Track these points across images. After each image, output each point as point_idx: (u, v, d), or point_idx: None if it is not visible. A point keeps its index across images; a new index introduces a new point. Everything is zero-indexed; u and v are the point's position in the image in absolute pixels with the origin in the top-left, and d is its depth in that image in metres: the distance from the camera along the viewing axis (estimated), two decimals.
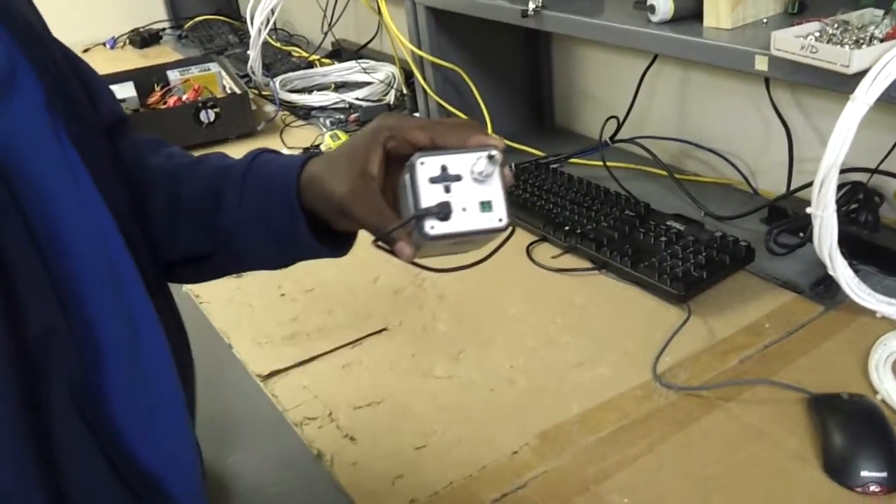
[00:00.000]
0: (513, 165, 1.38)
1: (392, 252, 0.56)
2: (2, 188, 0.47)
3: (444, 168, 0.53)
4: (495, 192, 0.53)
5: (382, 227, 0.56)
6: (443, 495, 0.76)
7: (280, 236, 0.64)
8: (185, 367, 0.66)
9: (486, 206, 0.53)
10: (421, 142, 0.58)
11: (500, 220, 0.53)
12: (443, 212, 0.52)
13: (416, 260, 0.58)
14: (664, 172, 1.29)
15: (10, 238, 0.47)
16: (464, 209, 0.53)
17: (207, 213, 0.66)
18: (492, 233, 0.53)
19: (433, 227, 0.52)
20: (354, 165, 0.59)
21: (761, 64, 0.84)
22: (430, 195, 0.53)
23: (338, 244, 0.65)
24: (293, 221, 0.62)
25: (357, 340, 1.00)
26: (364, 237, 0.60)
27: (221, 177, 0.67)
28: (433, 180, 0.53)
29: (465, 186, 0.53)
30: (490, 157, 0.52)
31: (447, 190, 0.53)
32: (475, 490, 0.77)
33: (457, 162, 0.53)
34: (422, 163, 0.53)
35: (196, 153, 0.72)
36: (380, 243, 0.57)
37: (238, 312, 1.10)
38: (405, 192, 0.55)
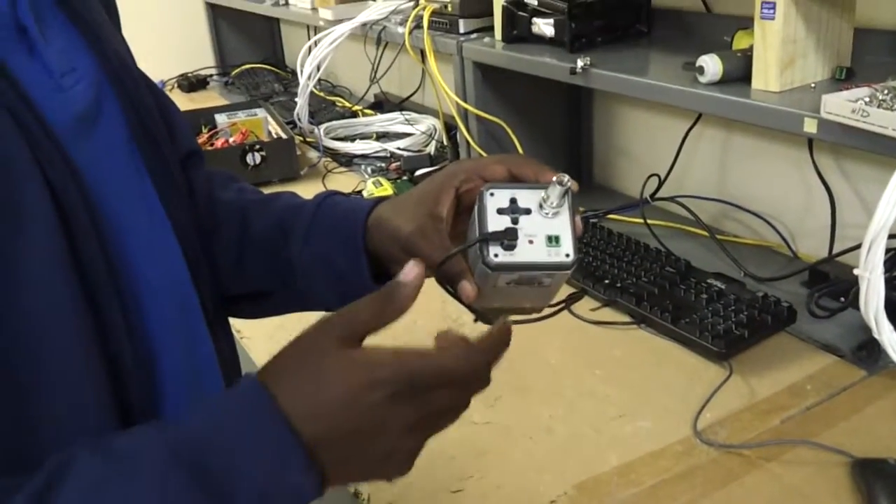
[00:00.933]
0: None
1: (454, 291, 0.55)
2: (84, 214, 0.49)
3: (513, 200, 0.52)
4: (563, 227, 0.52)
5: (448, 273, 0.54)
6: None
7: (341, 277, 0.64)
8: None
9: (553, 240, 0.51)
10: (498, 175, 0.57)
11: (568, 255, 0.51)
12: (508, 238, 0.50)
13: (477, 306, 0.56)
14: (704, 232, 1.30)
15: (90, 263, 0.49)
16: (530, 241, 0.51)
17: (274, 249, 0.67)
18: (558, 269, 0.52)
19: (497, 254, 0.51)
20: (423, 207, 0.58)
21: (810, 126, 0.85)
22: (496, 225, 0.51)
23: None
24: (356, 263, 0.62)
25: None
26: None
27: (291, 215, 0.67)
28: (501, 211, 0.52)
29: (534, 220, 0.52)
30: (560, 183, 0.51)
31: (514, 222, 0.51)
32: None
33: (526, 195, 0.52)
34: (491, 193, 0.52)
35: (285, 191, 0.73)
36: (443, 284, 0.56)
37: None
38: (472, 227, 0.54)
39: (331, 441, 0.45)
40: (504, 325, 0.50)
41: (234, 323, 1.14)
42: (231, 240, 0.68)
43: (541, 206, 0.52)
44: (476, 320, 0.59)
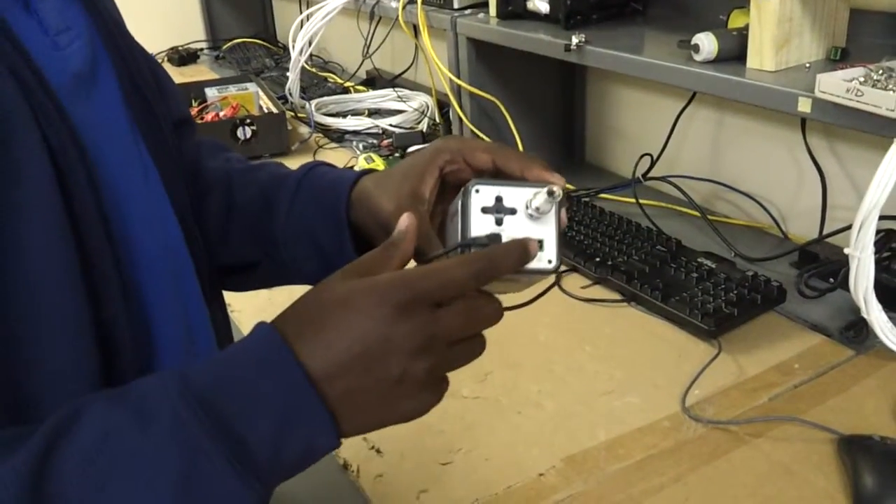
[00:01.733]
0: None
1: None
2: (81, 173, 0.48)
3: (498, 199, 0.50)
4: (548, 231, 0.50)
5: (424, 252, 0.54)
6: None
7: (324, 249, 0.63)
8: None
9: (537, 244, 0.50)
10: (484, 164, 0.56)
11: (550, 261, 0.50)
12: (491, 244, 0.49)
13: None
14: (695, 212, 1.30)
15: (87, 223, 0.48)
16: (514, 239, 0.49)
17: (258, 219, 0.66)
18: (539, 273, 0.50)
19: None
20: (406, 185, 0.58)
21: (804, 106, 0.85)
22: (480, 225, 0.50)
23: None
24: (339, 235, 0.62)
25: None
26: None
27: (275, 185, 0.67)
28: (486, 210, 0.50)
29: (518, 221, 0.50)
30: (550, 193, 0.49)
31: (499, 222, 0.50)
32: None
33: (513, 195, 0.50)
34: (476, 190, 0.50)
35: (271, 161, 0.72)
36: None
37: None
38: (454, 219, 0.53)
39: (341, 370, 0.44)
40: (513, 241, 0.48)
41: (224, 296, 1.15)
42: (216, 208, 0.68)
43: (526, 207, 0.50)
44: None
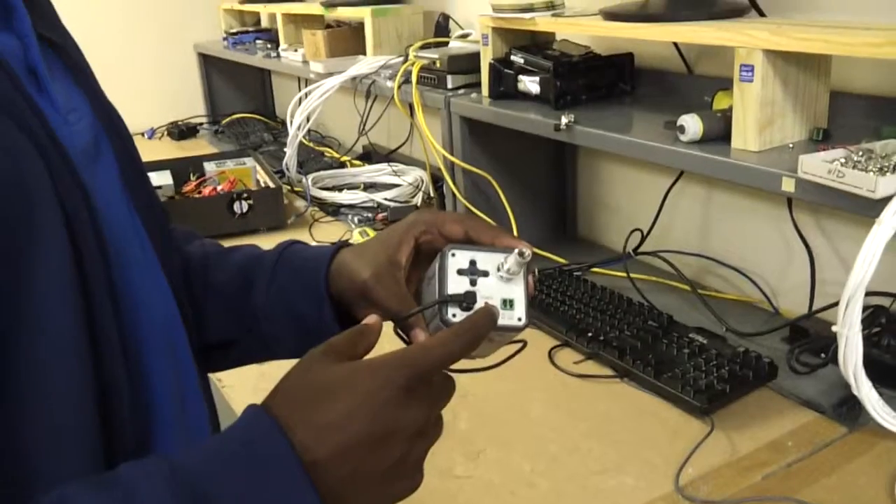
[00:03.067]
0: (536, 271, 1.40)
1: (409, 340, 0.57)
2: (92, 238, 0.50)
3: (472, 262, 0.55)
4: (518, 292, 0.55)
5: (402, 313, 0.57)
6: None
7: (305, 321, 0.65)
8: None
9: (507, 303, 0.54)
10: (456, 234, 0.60)
11: (520, 319, 0.54)
12: (467, 301, 0.53)
13: None
14: (686, 287, 1.32)
15: (96, 286, 0.49)
16: (486, 303, 0.54)
17: (236, 297, 0.68)
18: (510, 331, 0.54)
19: (455, 315, 0.53)
20: (383, 253, 0.61)
21: (788, 185, 0.87)
22: (456, 285, 0.54)
23: None
24: (319, 308, 0.64)
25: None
26: (387, 333, 0.58)
27: (253, 263, 0.69)
28: (461, 272, 0.54)
29: (491, 283, 0.54)
30: (520, 255, 0.54)
31: (473, 283, 0.54)
32: None
33: (486, 259, 0.55)
34: (452, 254, 0.55)
35: (228, 243, 0.75)
36: (399, 332, 0.57)
37: (259, 398, 1.10)
38: (431, 282, 0.56)
39: (346, 454, 0.44)
40: (485, 308, 0.52)
41: (216, 372, 1.15)
42: (195, 290, 0.69)
43: (498, 270, 0.54)
44: None
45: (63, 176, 0.48)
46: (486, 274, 0.55)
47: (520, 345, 0.56)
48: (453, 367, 0.52)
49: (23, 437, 0.46)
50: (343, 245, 0.67)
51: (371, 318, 0.53)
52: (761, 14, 1.13)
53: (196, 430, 0.62)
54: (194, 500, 0.41)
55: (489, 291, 0.54)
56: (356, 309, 0.63)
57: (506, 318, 0.53)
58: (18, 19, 0.51)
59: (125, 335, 0.52)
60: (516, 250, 0.54)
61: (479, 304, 0.53)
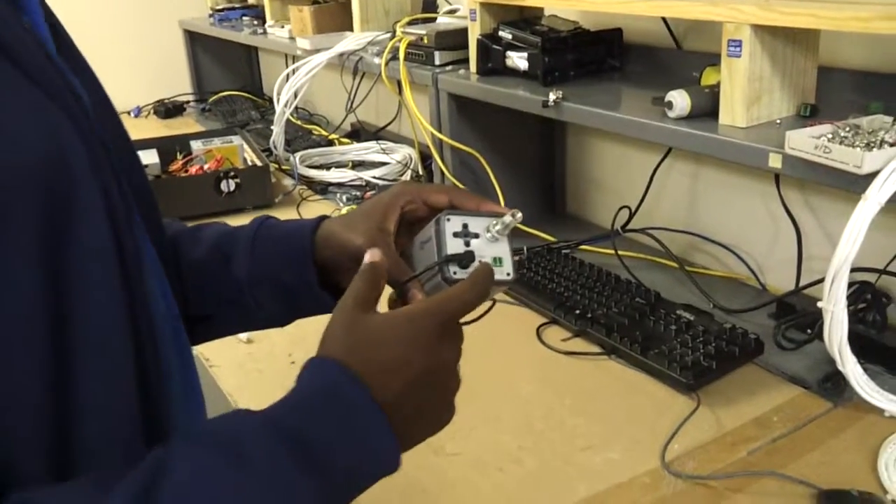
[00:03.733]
0: (525, 249, 1.40)
1: (403, 304, 0.60)
2: (125, 213, 0.51)
3: (465, 226, 0.61)
4: (505, 250, 0.61)
5: (397, 277, 0.60)
6: None
7: (289, 288, 0.67)
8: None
9: (497, 261, 0.60)
10: (441, 203, 0.65)
11: (508, 273, 0.60)
12: (466, 259, 0.59)
13: None
14: (674, 263, 1.32)
15: (134, 267, 0.51)
16: (480, 261, 0.60)
17: (214, 272, 0.69)
18: (502, 284, 0.59)
19: (455, 272, 0.59)
20: (372, 221, 0.64)
21: (775, 161, 0.87)
22: (453, 245, 0.60)
23: None
24: (305, 275, 0.66)
25: None
26: None
27: (227, 239, 0.71)
28: (456, 234, 0.60)
29: (481, 243, 0.60)
30: (513, 216, 0.59)
31: (467, 244, 0.60)
32: None
33: (476, 222, 0.61)
34: (448, 219, 0.60)
35: (213, 221, 0.76)
36: (396, 294, 0.62)
37: (247, 378, 1.11)
38: (425, 246, 0.62)
39: (405, 396, 0.50)
40: (484, 264, 0.58)
41: (203, 351, 1.15)
42: (170, 269, 0.70)
43: (487, 231, 0.60)
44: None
45: (102, 162, 0.49)
46: (476, 236, 0.60)
47: (490, 303, 0.61)
48: None
49: (71, 414, 0.48)
50: (324, 217, 0.69)
51: (374, 255, 0.57)
52: None
53: (196, 405, 0.64)
54: (298, 446, 0.45)
55: (481, 251, 0.60)
56: (345, 274, 0.65)
57: (498, 273, 0.59)
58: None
59: (150, 317, 0.54)
60: (510, 212, 0.59)
61: (476, 262, 0.59)
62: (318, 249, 0.66)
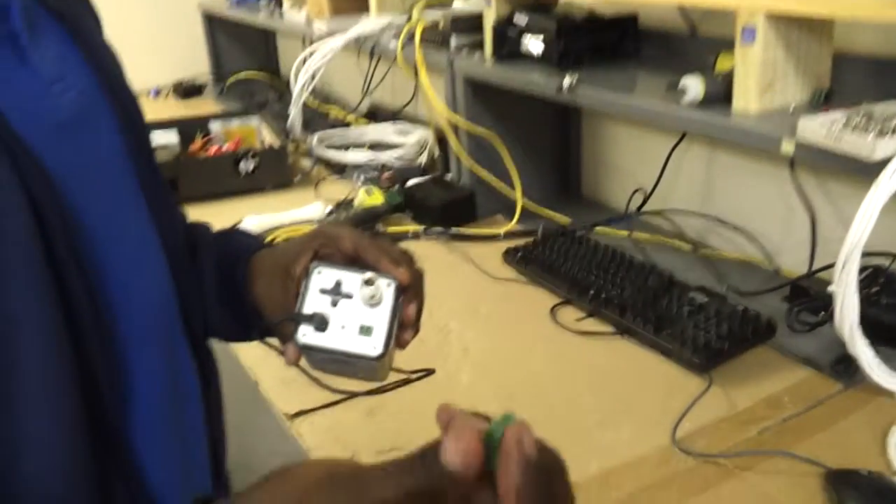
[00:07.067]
0: (540, 230, 1.42)
1: (281, 350, 0.58)
2: (56, 218, 0.49)
3: (338, 283, 0.53)
4: (381, 320, 0.52)
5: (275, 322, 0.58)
6: None
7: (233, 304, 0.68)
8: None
9: (365, 330, 0.52)
10: (347, 250, 0.60)
11: (375, 348, 0.52)
12: (316, 322, 0.52)
13: (313, 369, 0.59)
14: (688, 246, 1.33)
15: (62, 265, 0.49)
16: (343, 327, 0.52)
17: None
18: (362, 360, 0.52)
19: (305, 334, 0.52)
20: (282, 264, 0.62)
21: (788, 147, 0.88)
22: (314, 304, 0.53)
23: None
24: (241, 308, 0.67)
25: (382, 387, 1.03)
26: None
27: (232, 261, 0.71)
28: (323, 291, 0.53)
29: (353, 306, 0.53)
30: (367, 282, 0.52)
31: (334, 304, 0.53)
32: None
33: (353, 280, 0.53)
34: (318, 272, 0.54)
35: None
36: (272, 341, 0.59)
37: (266, 351, 1.13)
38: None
39: None
40: None
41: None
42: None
43: (362, 294, 0.53)
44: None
45: (23, 159, 0.47)
46: (349, 296, 0.53)
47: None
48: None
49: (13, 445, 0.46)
50: (263, 246, 0.70)
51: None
52: None
53: (191, 429, 0.63)
54: None
55: (348, 316, 0.52)
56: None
57: (360, 345, 0.52)
58: None
59: (101, 313, 0.52)
60: (391, 277, 0.53)
61: (333, 325, 0.52)
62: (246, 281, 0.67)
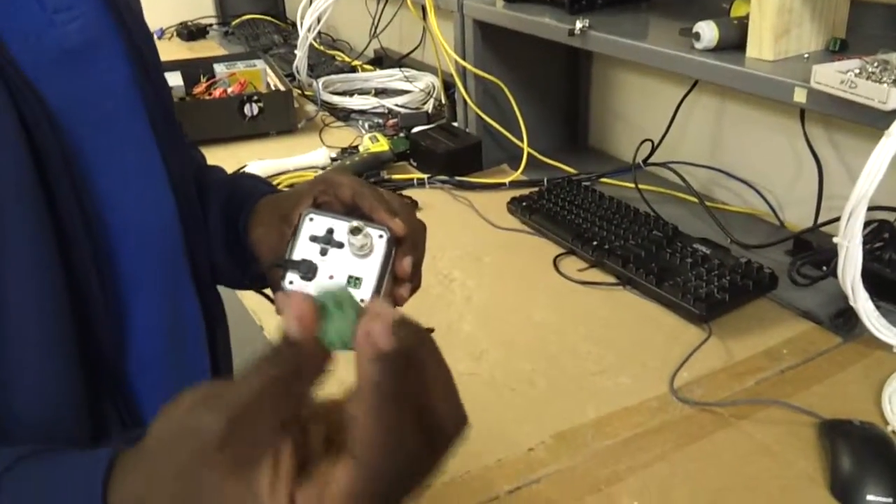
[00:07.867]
0: (545, 180, 1.41)
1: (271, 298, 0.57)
2: (54, 148, 0.49)
3: (329, 231, 0.52)
4: (370, 271, 0.51)
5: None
6: (459, 482, 0.79)
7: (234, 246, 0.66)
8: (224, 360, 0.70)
9: (354, 281, 0.51)
10: (345, 198, 0.58)
11: (363, 301, 0.50)
12: (303, 270, 0.50)
13: None
14: (694, 198, 1.32)
15: (60, 197, 0.49)
16: (331, 277, 0.51)
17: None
18: None
19: (292, 282, 0.51)
20: (281, 210, 0.61)
21: (800, 96, 0.86)
22: (304, 251, 0.51)
23: None
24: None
25: None
26: None
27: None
28: (314, 239, 0.51)
29: (343, 256, 0.51)
30: (353, 231, 0.50)
31: (323, 252, 0.51)
32: (490, 480, 0.79)
33: (345, 229, 0.51)
34: (310, 219, 0.52)
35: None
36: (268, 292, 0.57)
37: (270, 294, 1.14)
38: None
39: None
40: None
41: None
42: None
43: (351, 244, 0.51)
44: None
45: (20, 88, 0.47)
46: (340, 245, 0.51)
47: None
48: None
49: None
50: (270, 191, 0.68)
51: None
52: None
53: (193, 371, 0.62)
54: None
55: (337, 265, 0.51)
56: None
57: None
58: None
59: (99, 243, 0.51)
60: (384, 228, 0.51)
61: (321, 274, 0.51)
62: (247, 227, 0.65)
